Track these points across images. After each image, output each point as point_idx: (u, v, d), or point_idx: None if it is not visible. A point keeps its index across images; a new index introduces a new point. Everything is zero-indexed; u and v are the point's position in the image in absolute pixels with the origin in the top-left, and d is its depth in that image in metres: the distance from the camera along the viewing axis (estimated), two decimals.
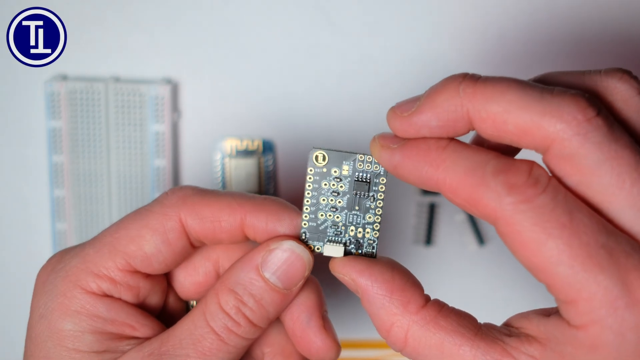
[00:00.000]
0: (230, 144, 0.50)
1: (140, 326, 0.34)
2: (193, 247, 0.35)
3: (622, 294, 0.25)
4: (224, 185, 0.50)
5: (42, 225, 0.51)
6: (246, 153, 0.50)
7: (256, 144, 0.50)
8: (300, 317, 0.34)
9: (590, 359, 0.26)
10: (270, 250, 0.33)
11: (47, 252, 0.51)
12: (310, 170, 0.32)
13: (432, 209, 0.51)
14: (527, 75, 0.47)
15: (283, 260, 0.33)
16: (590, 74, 0.29)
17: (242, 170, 0.50)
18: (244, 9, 0.49)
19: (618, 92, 0.28)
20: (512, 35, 0.49)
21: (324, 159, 0.32)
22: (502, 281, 0.52)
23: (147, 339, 0.33)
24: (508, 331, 0.29)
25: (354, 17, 0.49)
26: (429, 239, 0.51)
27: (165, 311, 0.36)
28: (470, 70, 0.50)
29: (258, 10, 0.49)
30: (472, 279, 0.52)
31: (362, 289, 0.31)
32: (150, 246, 0.33)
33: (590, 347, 0.26)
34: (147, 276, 0.34)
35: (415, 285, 0.31)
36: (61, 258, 0.34)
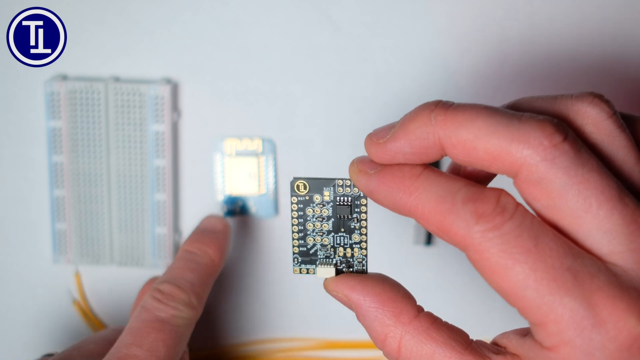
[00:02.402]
0: (230, 144, 0.50)
1: None
2: None
3: (587, 314, 0.26)
4: (224, 185, 0.50)
5: (42, 225, 0.51)
6: (246, 153, 0.50)
7: (256, 144, 0.50)
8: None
9: None
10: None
11: (47, 252, 0.51)
12: (294, 199, 0.33)
13: None
14: (526, 74, 0.47)
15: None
16: (562, 97, 0.30)
17: (242, 170, 0.50)
18: (244, 9, 0.49)
19: (588, 116, 0.29)
20: (512, 35, 0.49)
21: (305, 188, 0.33)
22: None
23: None
24: (496, 349, 0.30)
25: (354, 17, 0.49)
26: (429, 239, 0.51)
27: None
28: (470, 70, 0.50)
29: (258, 10, 0.49)
30: (472, 279, 0.52)
31: (355, 304, 0.31)
32: None
33: None
34: None
35: (407, 296, 0.31)
36: None
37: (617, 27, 0.49)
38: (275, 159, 0.50)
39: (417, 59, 0.49)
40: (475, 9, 0.48)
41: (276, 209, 0.51)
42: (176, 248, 0.51)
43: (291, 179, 0.33)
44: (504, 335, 0.30)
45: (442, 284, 0.52)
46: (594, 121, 0.29)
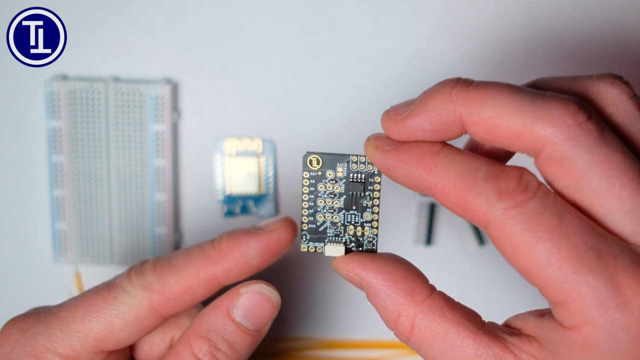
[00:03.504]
0: (230, 144, 0.50)
1: None
2: (164, 319, 0.36)
3: (611, 294, 0.26)
4: (224, 185, 0.50)
5: (42, 225, 0.51)
6: (246, 153, 0.50)
7: (256, 144, 0.50)
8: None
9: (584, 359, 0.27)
10: (240, 295, 0.34)
11: (47, 252, 0.51)
12: (306, 174, 0.32)
13: (432, 209, 0.51)
14: (526, 74, 0.47)
15: (253, 303, 0.34)
16: (581, 79, 0.29)
17: (242, 170, 0.50)
18: (244, 9, 0.49)
19: (609, 96, 0.29)
20: (511, 35, 0.49)
21: (318, 163, 0.32)
22: (502, 281, 0.52)
23: None
24: (510, 331, 0.29)
25: (354, 17, 0.49)
26: (429, 239, 0.51)
27: None
28: (470, 70, 0.50)
29: (258, 10, 0.49)
30: (472, 279, 0.52)
31: (367, 283, 0.31)
32: (123, 333, 0.35)
33: (583, 347, 0.27)
34: (112, 351, 0.36)
35: (419, 275, 0.31)
36: (24, 331, 0.35)
37: (617, 27, 0.49)
38: (275, 159, 0.50)
39: (417, 59, 0.49)
40: (475, 8, 0.48)
41: (276, 209, 0.51)
42: (176, 248, 0.51)
43: (304, 153, 0.32)
44: (519, 316, 0.30)
45: (442, 284, 0.52)
46: (615, 102, 0.29)
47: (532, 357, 0.28)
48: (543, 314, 0.29)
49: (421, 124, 0.29)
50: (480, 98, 0.28)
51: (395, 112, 0.30)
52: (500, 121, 0.27)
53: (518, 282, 0.52)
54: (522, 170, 0.27)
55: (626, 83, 0.29)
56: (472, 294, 0.52)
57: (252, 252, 0.35)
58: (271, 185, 0.50)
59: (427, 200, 0.51)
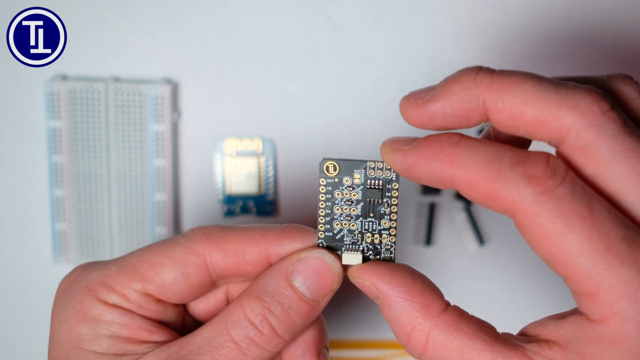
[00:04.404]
0: (230, 144, 0.50)
1: (158, 330, 0.34)
2: (215, 285, 0.35)
3: None
4: (224, 185, 0.50)
5: (42, 225, 0.51)
6: (246, 153, 0.50)
7: (256, 144, 0.50)
8: (297, 351, 0.34)
9: (612, 355, 0.26)
10: (300, 259, 0.32)
11: (47, 252, 0.51)
12: (322, 181, 0.32)
13: (432, 209, 0.51)
14: None
15: (313, 269, 0.32)
16: (592, 78, 0.29)
17: (242, 170, 0.50)
18: (244, 9, 0.49)
19: (622, 93, 0.29)
20: (512, 35, 0.49)
21: (334, 169, 0.32)
22: (502, 281, 0.52)
23: (165, 342, 0.33)
24: (526, 339, 0.29)
25: (354, 17, 0.49)
26: (429, 239, 0.51)
27: (184, 327, 0.36)
28: None
29: (258, 10, 0.49)
30: (472, 279, 0.52)
31: (383, 293, 0.30)
32: (168, 276, 0.33)
33: (612, 341, 0.26)
34: (160, 301, 0.34)
35: (435, 290, 0.30)
36: (84, 270, 0.35)
37: (616, 26, 0.49)
38: (275, 159, 0.50)
39: (417, 59, 0.49)
40: (475, 8, 0.49)
41: (276, 209, 0.51)
42: None
43: (320, 159, 0.32)
44: (536, 323, 0.29)
45: (442, 284, 0.52)
46: (628, 99, 0.29)
47: None
48: (564, 316, 0.28)
49: (443, 109, 0.28)
50: (505, 85, 0.27)
51: (417, 97, 0.29)
52: (525, 108, 0.27)
53: (518, 282, 0.52)
54: (548, 155, 0.27)
55: (636, 82, 0.29)
56: (472, 294, 0.52)
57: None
58: (271, 185, 0.50)
59: (427, 200, 0.51)
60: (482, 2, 0.48)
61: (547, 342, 0.28)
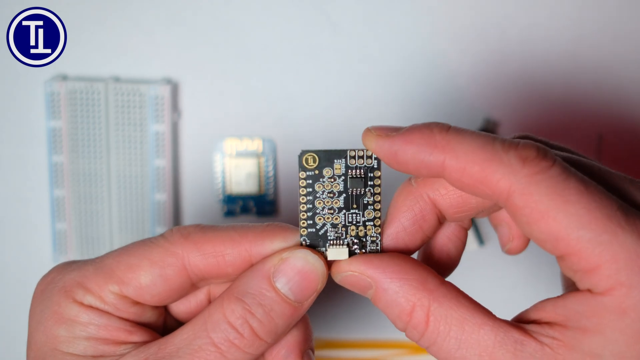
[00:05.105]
0: (230, 144, 0.50)
1: (137, 330, 0.33)
2: (195, 286, 0.34)
3: None
4: (224, 185, 0.50)
5: (42, 225, 0.51)
6: (246, 153, 0.50)
7: (256, 144, 0.50)
8: (280, 353, 0.33)
9: (618, 326, 0.26)
10: (283, 260, 0.31)
11: (47, 252, 0.51)
12: (302, 174, 0.31)
13: None
14: (526, 74, 0.47)
15: (297, 270, 0.31)
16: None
17: (242, 170, 0.50)
18: (244, 9, 0.49)
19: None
20: (511, 35, 0.49)
21: (314, 161, 0.31)
22: (502, 281, 0.52)
23: (144, 342, 0.33)
24: (525, 322, 0.29)
25: (354, 17, 0.49)
26: None
27: (166, 327, 0.36)
28: (470, 70, 0.50)
29: (258, 11, 0.49)
30: (472, 279, 0.52)
31: (374, 279, 0.30)
32: (146, 278, 0.32)
33: (618, 312, 0.26)
34: (138, 303, 0.33)
35: (427, 267, 0.30)
36: (61, 270, 0.34)
37: (616, 27, 0.49)
38: (275, 159, 0.50)
39: (417, 59, 0.49)
40: (475, 9, 0.48)
41: (276, 209, 0.51)
42: None
43: (299, 152, 0.31)
44: (533, 307, 0.29)
45: None
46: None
47: (554, 340, 0.27)
48: (561, 297, 0.28)
49: (405, 165, 0.29)
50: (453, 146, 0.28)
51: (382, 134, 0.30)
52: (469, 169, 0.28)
53: (517, 282, 0.52)
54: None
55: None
56: (472, 294, 0.52)
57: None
58: (271, 185, 0.50)
59: None
60: (482, 2, 0.48)
61: (547, 323, 0.28)
